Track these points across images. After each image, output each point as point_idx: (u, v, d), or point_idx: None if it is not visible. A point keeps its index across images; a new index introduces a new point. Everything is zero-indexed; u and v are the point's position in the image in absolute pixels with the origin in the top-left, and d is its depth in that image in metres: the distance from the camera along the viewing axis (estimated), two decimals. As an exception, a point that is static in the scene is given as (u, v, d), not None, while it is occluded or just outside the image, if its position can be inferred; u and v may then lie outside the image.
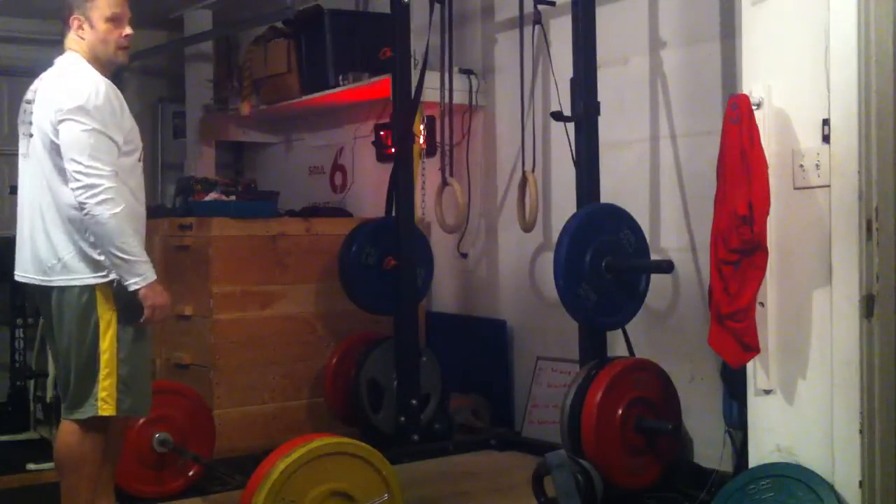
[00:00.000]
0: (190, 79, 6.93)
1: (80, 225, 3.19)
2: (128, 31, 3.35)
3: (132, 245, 3.18)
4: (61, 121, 3.15)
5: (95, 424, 3.25)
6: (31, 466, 4.69)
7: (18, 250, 3.40)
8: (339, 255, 4.86)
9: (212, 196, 5.18)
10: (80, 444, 3.26)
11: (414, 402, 4.67)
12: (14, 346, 5.82)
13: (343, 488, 3.18)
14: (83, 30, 3.30)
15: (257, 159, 7.31)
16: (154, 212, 5.74)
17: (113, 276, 3.21)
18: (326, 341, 5.14)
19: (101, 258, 3.19)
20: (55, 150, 3.20)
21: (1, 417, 5.64)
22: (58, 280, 3.24)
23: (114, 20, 3.30)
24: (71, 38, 3.34)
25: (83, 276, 3.21)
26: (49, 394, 5.05)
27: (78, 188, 3.12)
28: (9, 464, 4.74)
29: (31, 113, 3.31)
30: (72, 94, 3.17)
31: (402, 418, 4.66)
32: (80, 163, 3.12)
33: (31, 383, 5.46)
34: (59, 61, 3.34)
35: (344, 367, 4.89)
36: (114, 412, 3.24)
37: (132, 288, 3.18)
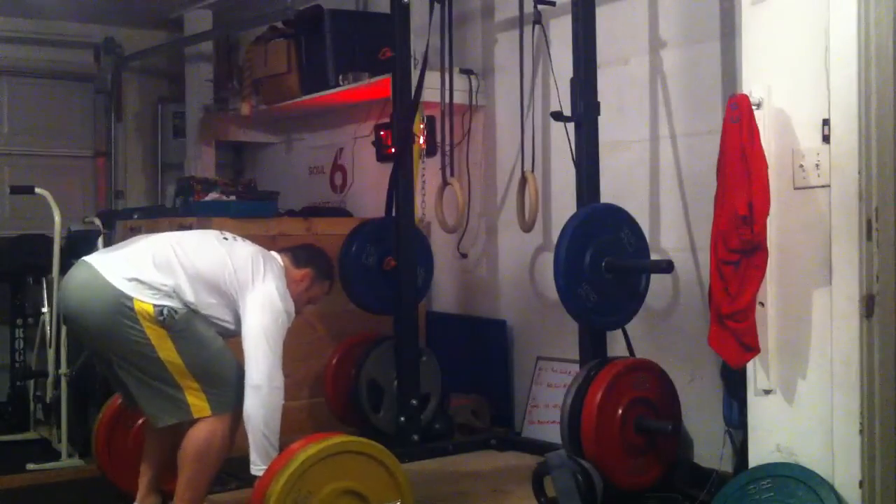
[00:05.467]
0: (190, 79, 6.93)
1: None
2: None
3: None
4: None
5: (223, 415, 3.40)
6: (31, 466, 4.70)
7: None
8: (339, 255, 4.86)
9: (212, 196, 5.18)
10: (209, 434, 3.36)
11: (414, 402, 4.67)
12: (14, 346, 5.83)
13: (358, 488, 3.21)
14: (302, 282, 3.72)
15: (257, 159, 7.31)
16: (154, 212, 5.77)
17: (162, 303, 3.33)
18: (326, 341, 5.13)
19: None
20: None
21: (1, 417, 5.65)
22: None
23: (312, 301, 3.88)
24: (289, 264, 3.71)
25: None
26: (49, 394, 5.05)
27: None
28: (9, 464, 4.75)
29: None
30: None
31: (402, 418, 4.65)
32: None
33: (31, 383, 5.46)
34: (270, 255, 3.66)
35: (344, 367, 4.89)
36: (208, 413, 3.36)
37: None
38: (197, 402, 3.35)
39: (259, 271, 3.51)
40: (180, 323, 3.34)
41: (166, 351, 3.31)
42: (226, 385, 3.41)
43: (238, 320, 3.49)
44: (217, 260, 3.49)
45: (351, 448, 3.26)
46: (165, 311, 3.32)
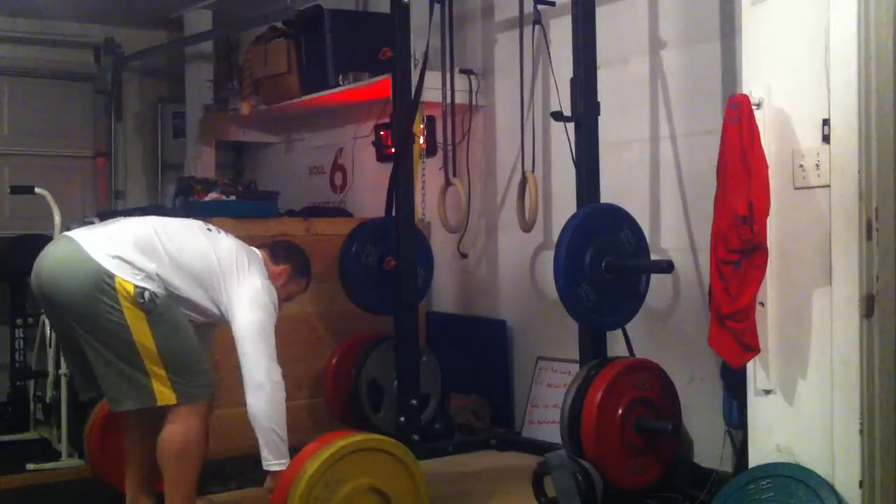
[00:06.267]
0: (190, 79, 6.93)
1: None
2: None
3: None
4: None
5: (194, 411, 3.34)
6: (31, 466, 4.70)
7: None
8: (339, 255, 4.86)
9: (212, 196, 5.17)
10: (184, 431, 3.32)
11: (414, 402, 4.67)
12: (14, 346, 5.83)
13: (381, 486, 3.23)
14: (280, 277, 3.70)
15: (257, 159, 7.31)
16: (154, 212, 5.76)
17: (144, 285, 3.28)
18: (326, 341, 5.13)
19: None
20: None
21: (1, 417, 5.65)
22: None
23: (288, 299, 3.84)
24: (267, 259, 3.71)
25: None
26: (49, 394, 5.05)
27: None
28: (9, 464, 4.75)
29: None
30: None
31: (402, 418, 4.65)
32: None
33: (31, 383, 5.46)
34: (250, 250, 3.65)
35: (344, 367, 4.89)
36: (174, 401, 3.30)
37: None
38: (163, 391, 3.28)
39: (243, 265, 3.50)
40: (160, 308, 3.29)
41: (141, 334, 3.25)
42: (193, 376, 3.36)
43: (218, 307, 3.46)
44: (201, 250, 3.46)
45: (378, 446, 3.30)
46: (147, 295, 3.26)
